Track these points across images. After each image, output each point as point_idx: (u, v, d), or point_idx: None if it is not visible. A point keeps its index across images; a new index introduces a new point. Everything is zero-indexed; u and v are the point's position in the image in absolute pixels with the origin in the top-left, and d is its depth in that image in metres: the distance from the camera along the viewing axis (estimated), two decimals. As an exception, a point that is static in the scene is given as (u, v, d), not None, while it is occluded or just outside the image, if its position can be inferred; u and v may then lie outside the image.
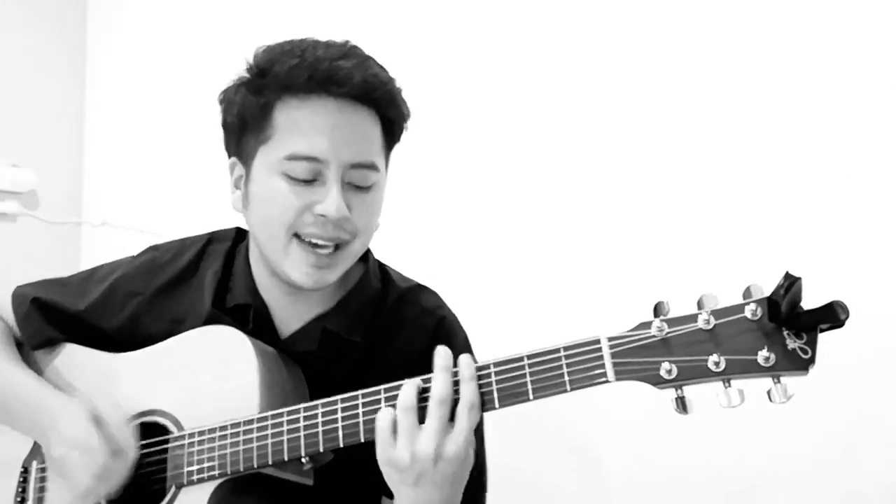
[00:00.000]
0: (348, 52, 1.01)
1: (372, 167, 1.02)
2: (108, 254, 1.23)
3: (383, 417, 0.89)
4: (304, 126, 0.98)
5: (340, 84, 0.98)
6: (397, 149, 1.10)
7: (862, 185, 1.38)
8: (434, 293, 1.17)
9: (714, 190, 1.50)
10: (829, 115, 1.41)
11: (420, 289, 1.17)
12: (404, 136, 1.11)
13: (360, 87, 0.99)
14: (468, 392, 0.88)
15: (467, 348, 1.14)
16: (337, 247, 1.01)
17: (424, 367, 1.05)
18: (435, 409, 0.87)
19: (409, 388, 0.89)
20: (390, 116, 1.04)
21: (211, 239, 1.19)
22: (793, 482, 1.41)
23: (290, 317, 1.11)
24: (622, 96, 1.61)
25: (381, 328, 1.11)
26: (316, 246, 1.00)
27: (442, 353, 0.91)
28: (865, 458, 1.36)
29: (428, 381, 0.91)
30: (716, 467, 1.47)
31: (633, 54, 1.60)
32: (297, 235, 1.00)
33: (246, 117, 1.02)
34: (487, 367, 0.89)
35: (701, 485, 1.48)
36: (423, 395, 0.90)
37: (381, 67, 1.04)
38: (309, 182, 0.99)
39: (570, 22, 1.67)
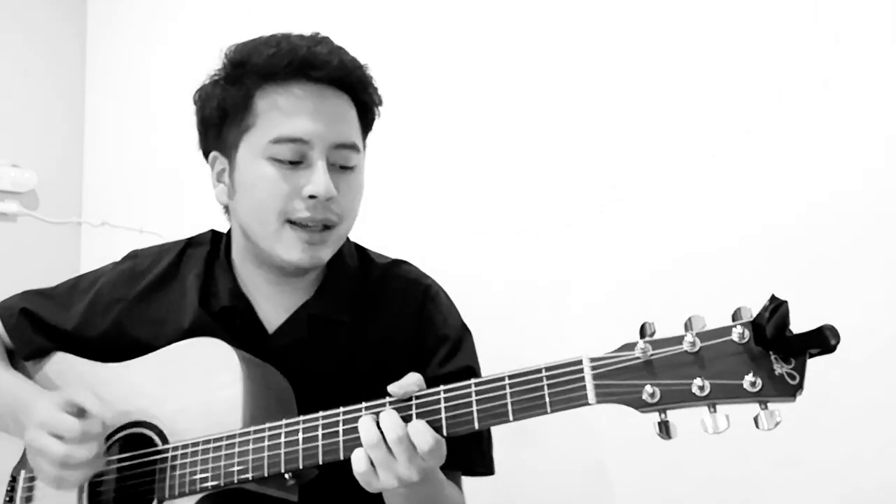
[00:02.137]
0: (321, 40, 1.05)
1: (354, 147, 1.05)
2: (108, 254, 1.24)
3: (358, 462, 0.88)
4: (286, 110, 1.01)
5: (319, 68, 1.02)
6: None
7: (870, 184, 1.35)
8: (413, 265, 1.20)
9: (716, 187, 1.48)
10: (840, 112, 1.37)
11: (401, 263, 1.19)
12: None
13: (338, 71, 1.03)
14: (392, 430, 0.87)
15: (454, 315, 1.16)
16: (325, 227, 1.04)
17: (415, 338, 1.10)
18: (372, 454, 0.87)
19: (366, 424, 0.88)
20: (364, 101, 1.08)
21: (188, 243, 1.21)
22: (795, 487, 1.39)
23: (275, 311, 1.12)
24: (620, 91, 1.58)
25: (367, 304, 1.13)
26: (306, 226, 1.03)
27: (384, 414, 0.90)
28: (866, 461, 1.33)
29: (377, 408, 0.90)
30: (720, 470, 1.44)
31: (632, 50, 1.57)
32: (288, 221, 1.03)
33: (227, 108, 1.05)
34: (468, 386, 0.87)
35: (706, 487, 1.46)
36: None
37: (352, 56, 1.07)
38: (295, 164, 1.02)
39: (571, 23, 1.65)
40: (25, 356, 1.19)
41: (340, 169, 1.04)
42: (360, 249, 1.19)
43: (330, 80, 1.03)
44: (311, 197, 1.01)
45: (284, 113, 1.01)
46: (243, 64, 1.04)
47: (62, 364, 1.18)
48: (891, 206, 1.33)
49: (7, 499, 1.14)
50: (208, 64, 1.09)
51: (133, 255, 1.22)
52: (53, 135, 2.32)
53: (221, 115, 1.06)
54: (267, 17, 2.04)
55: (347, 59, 1.05)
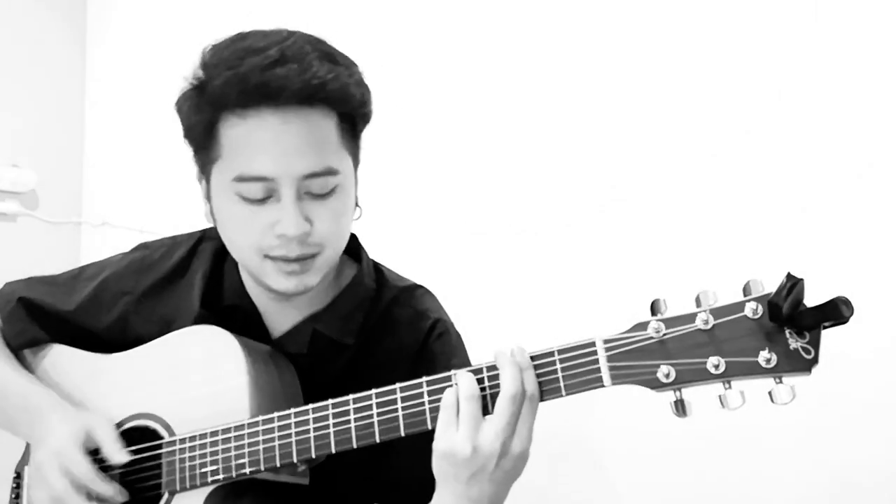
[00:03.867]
0: (285, 51, 0.91)
1: (329, 172, 0.94)
2: (108, 254, 1.22)
3: (449, 395, 0.84)
4: (245, 145, 0.92)
5: (275, 95, 0.90)
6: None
7: (872, 184, 1.35)
8: (430, 294, 1.13)
9: (716, 187, 1.48)
10: (840, 112, 1.38)
11: (415, 289, 1.13)
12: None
13: (299, 94, 0.90)
14: (530, 384, 0.83)
15: (461, 353, 1.11)
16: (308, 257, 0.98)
17: (414, 369, 1.03)
18: (506, 406, 0.81)
19: (469, 378, 0.85)
20: (343, 110, 0.95)
21: (202, 237, 1.16)
22: (800, 490, 1.38)
23: (280, 318, 1.09)
24: (619, 90, 1.58)
25: (374, 330, 1.08)
26: (286, 260, 0.96)
27: (515, 350, 0.86)
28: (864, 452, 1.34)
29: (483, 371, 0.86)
30: (722, 470, 1.44)
31: (631, 50, 1.58)
32: (267, 256, 0.97)
33: (194, 135, 0.98)
34: (480, 370, 0.86)
35: (708, 489, 1.46)
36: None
37: (326, 59, 0.93)
38: (264, 200, 0.94)
39: (571, 23, 1.65)
40: (19, 345, 1.16)
41: (315, 196, 0.95)
42: (378, 270, 1.13)
43: (294, 103, 0.91)
44: (282, 235, 0.94)
45: (244, 149, 0.92)
46: (203, 87, 0.94)
47: (60, 356, 1.16)
48: (890, 206, 1.33)
49: (13, 496, 1.12)
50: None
51: (143, 247, 1.18)
52: (53, 135, 2.32)
53: (190, 141, 0.99)
54: (267, 17, 2.04)
55: (311, 75, 0.90)
